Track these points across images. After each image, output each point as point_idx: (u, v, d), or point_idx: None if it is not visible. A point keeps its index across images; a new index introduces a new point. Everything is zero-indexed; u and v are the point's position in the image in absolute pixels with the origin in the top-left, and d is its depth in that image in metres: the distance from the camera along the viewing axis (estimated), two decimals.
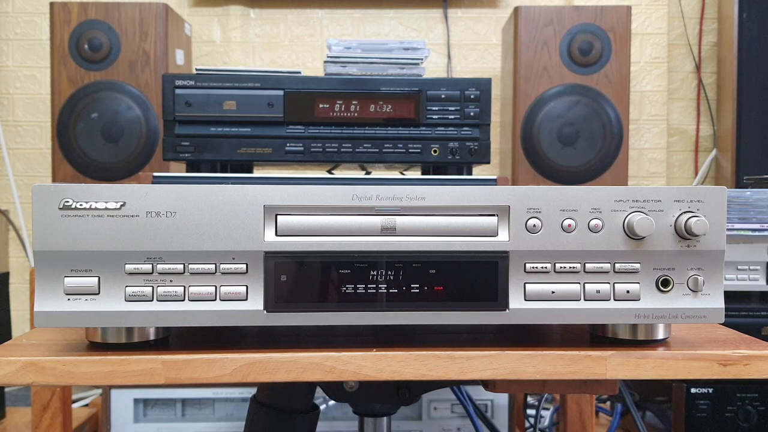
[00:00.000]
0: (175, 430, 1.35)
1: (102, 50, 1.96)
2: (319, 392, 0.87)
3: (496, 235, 0.62)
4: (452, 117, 1.23)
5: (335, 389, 0.75)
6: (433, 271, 0.61)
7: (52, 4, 1.97)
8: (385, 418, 0.83)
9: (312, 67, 2.41)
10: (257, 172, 1.45)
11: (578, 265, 0.62)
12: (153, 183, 1.18)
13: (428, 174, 1.31)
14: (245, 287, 0.60)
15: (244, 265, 0.60)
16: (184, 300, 0.60)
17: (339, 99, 1.22)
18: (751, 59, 2.14)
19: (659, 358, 0.61)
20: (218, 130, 1.21)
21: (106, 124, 1.93)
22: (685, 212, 0.62)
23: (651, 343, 0.64)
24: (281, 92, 1.21)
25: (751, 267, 1.26)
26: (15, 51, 2.39)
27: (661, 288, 0.62)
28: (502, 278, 0.62)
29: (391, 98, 1.22)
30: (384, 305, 0.61)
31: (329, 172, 1.44)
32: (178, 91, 1.20)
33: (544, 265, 0.62)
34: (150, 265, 0.59)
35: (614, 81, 2.02)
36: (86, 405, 1.84)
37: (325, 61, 1.30)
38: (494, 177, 1.23)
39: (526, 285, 0.62)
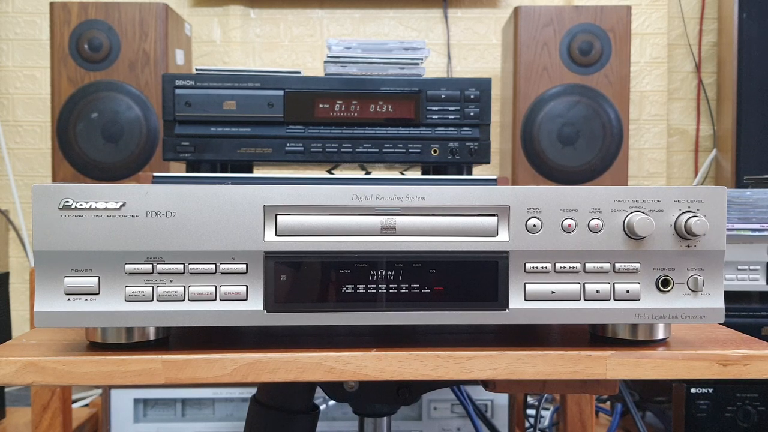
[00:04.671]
0: (175, 430, 1.35)
1: (102, 50, 1.96)
2: (319, 392, 0.87)
3: (496, 235, 0.62)
4: (452, 117, 1.23)
5: (335, 389, 0.75)
6: (433, 271, 0.61)
7: (52, 4, 1.97)
8: (385, 418, 0.83)
9: (312, 67, 2.41)
10: (257, 172, 1.45)
11: (578, 265, 0.62)
12: (153, 183, 1.18)
13: (428, 174, 1.31)
14: (245, 287, 0.60)
15: (244, 265, 0.60)
16: (184, 300, 0.60)
17: (339, 99, 1.22)
18: (751, 59, 2.14)
19: (659, 358, 0.61)
20: (218, 130, 1.21)
21: (106, 124, 1.93)
22: (685, 212, 0.62)
23: (651, 343, 0.64)
24: (281, 92, 1.21)
25: (751, 267, 1.26)
26: (15, 51, 2.39)
27: (661, 288, 0.62)
28: (502, 278, 0.62)
29: (391, 98, 1.22)
30: (384, 305, 0.61)
31: (329, 172, 1.44)
32: (178, 91, 1.20)
33: (544, 265, 0.62)
34: (150, 265, 0.59)
35: (614, 81, 2.02)
36: (86, 405, 1.84)
37: (325, 61, 1.30)
38: (494, 177, 1.23)
39: (526, 285, 0.62)
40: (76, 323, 0.59)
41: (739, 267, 1.26)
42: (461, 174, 1.26)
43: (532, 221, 0.61)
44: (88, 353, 0.60)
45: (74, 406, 1.72)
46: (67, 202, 0.58)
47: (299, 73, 1.24)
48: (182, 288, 0.60)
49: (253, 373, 0.60)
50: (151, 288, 0.59)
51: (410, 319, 0.62)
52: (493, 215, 0.62)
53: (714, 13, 2.42)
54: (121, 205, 0.59)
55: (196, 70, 1.24)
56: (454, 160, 1.23)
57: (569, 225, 0.61)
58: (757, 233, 1.23)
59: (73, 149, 1.93)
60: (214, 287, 0.60)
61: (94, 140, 1.92)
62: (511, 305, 0.62)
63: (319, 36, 2.42)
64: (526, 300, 0.62)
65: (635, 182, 2.40)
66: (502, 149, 2.27)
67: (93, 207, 0.59)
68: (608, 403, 1.58)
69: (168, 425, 1.35)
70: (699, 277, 0.62)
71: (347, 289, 0.61)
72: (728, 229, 1.16)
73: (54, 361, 0.59)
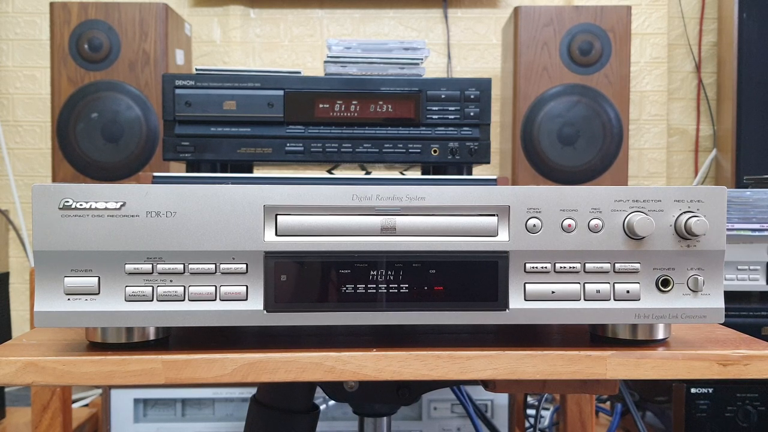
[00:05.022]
0: (175, 430, 1.35)
1: (102, 50, 1.96)
2: (319, 392, 0.87)
3: (496, 235, 0.62)
4: (452, 117, 1.23)
5: (335, 389, 0.75)
6: (433, 271, 0.61)
7: (52, 4, 1.97)
8: (385, 418, 0.83)
9: (312, 67, 2.41)
10: (257, 172, 1.45)
11: (578, 265, 0.62)
12: (153, 183, 1.18)
13: (428, 174, 1.31)
14: (245, 287, 0.60)
15: (244, 265, 0.60)
16: (184, 300, 0.60)
17: (339, 99, 1.22)
18: (751, 59, 2.14)
19: (659, 358, 0.61)
20: (218, 130, 1.21)
21: (106, 124, 1.93)
22: (685, 212, 0.62)
23: (651, 343, 0.64)
24: (281, 92, 1.21)
25: (751, 267, 1.26)
26: (15, 51, 2.39)
27: (661, 288, 0.62)
28: (502, 278, 0.62)
29: (391, 98, 1.22)
30: (384, 305, 0.61)
31: (329, 172, 1.44)
32: (178, 91, 1.20)
33: (544, 265, 0.62)
34: (150, 265, 0.59)
35: (614, 81, 2.02)
36: (86, 405, 1.84)
37: (325, 61, 1.30)
38: (494, 177, 1.23)
39: (526, 285, 0.62)
40: (76, 323, 0.59)
41: (739, 267, 1.26)
42: (461, 174, 1.26)
43: (532, 221, 0.61)
44: (88, 353, 0.60)
45: (74, 406, 1.72)
46: (67, 202, 0.58)
47: (299, 73, 1.24)
48: (182, 288, 0.60)
49: (253, 373, 0.60)
50: (151, 288, 0.59)
51: (410, 319, 0.62)
52: (493, 215, 0.62)
53: (714, 13, 2.42)
54: (121, 205, 0.59)
55: (196, 70, 1.24)
56: (454, 160, 1.23)
57: (569, 225, 0.61)
58: (757, 233, 1.23)
59: (73, 149, 1.93)
60: (214, 287, 0.60)
61: (94, 140, 1.92)
62: (511, 305, 0.62)
63: (319, 36, 2.42)
64: (526, 300, 0.62)
65: (635, 182, 2.40)
66: (502, 149, 2.27)
67: (93, 207, 0.59)
68: (608, 403, 1.58)
69: (168, 425, 1.35)
70: (699, 277, 0.62)
71: (347, 289, 0.61)
72: (728, 229, 1.16)
73: (54, 361, 0.59)
